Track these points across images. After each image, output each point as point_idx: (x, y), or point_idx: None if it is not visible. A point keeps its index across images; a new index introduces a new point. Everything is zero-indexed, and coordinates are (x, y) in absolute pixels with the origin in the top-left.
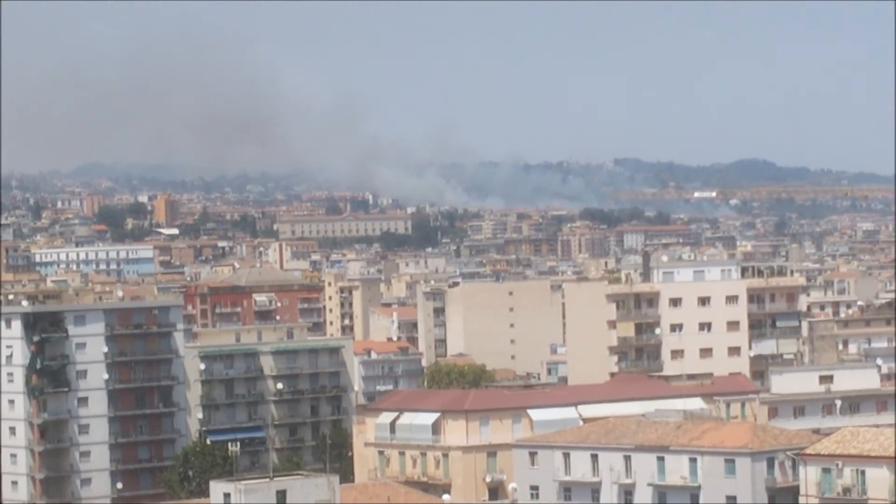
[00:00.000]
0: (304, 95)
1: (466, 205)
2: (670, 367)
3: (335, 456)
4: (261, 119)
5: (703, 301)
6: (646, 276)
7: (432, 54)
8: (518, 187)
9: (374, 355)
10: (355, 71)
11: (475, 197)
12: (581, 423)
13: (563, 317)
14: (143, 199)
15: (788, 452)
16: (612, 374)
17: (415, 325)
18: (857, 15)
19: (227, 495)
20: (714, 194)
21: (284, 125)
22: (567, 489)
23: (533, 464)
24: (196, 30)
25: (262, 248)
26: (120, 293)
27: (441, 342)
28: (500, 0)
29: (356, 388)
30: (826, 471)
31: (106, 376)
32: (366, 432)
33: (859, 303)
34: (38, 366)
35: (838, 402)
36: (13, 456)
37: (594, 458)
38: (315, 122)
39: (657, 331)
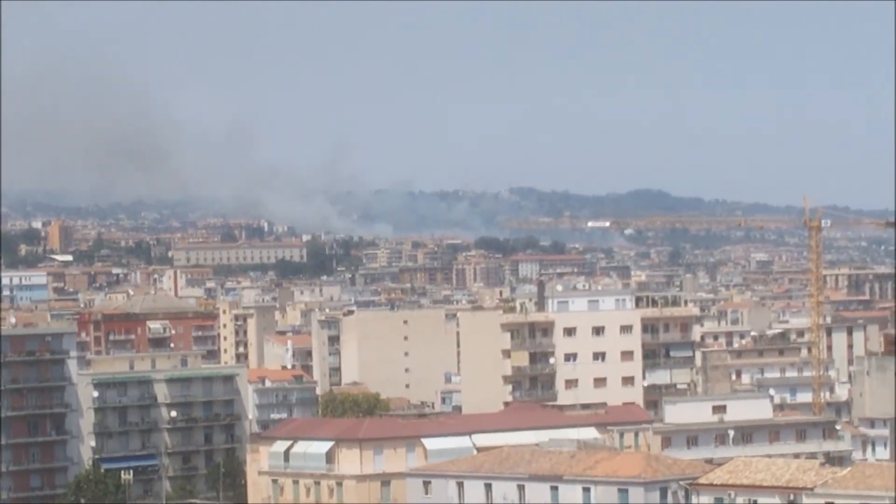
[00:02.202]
0: (196, 122)
1: (356, 232)
2: (564, 397)
3: (228, 484)
4: (152, 145)
5: (598, 331)
6: (540, 305)
7: (325, 80)
8: (412, 215)
9: (268, 383)
10: (247, 97)
11: (365, 225)
12: (475, 452)
13: (458, 346)
14: (37, 225)
15: (681, 482)
16: (507, 404)
17: (309, 354)
18: (753, 45)
19: None
20: (608, 224)
21: (176, 151)
22: None
23: (427, 493)
24: (89, 56)
25: (156, 276)
26: (13, 320)
27: (336, 370)
28: (392, 28)
29: (250, 416)
30: (719, 500)
31: None
32: (259, 461)
33: (752, 333)
34: None
35: (731, 432)
36: None
37: (488, 487)
38: (206, 148)
39: (551, 360)
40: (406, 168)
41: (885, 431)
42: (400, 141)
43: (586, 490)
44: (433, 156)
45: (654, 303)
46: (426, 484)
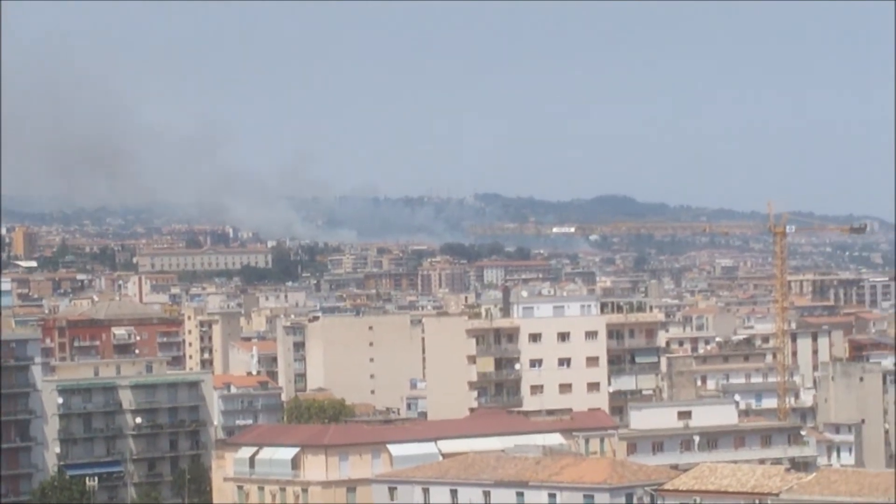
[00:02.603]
0: (159, 127)
1: (320, 238)
2: (530, 403)
3: (194, 491)
4: (115, 151)
5: (563, 336)
6: (506, 311)
7: (289, 85)
8: (376, 221)
9: (233, 389)
10: (210, 102)
11: (329, 230)
12: (441, 458)
13: (423, 352)
14: (1, 231)
15: (647, 488)
16: (472, 410)
17: (275, 360)
18: (717, 53)
19: None
20: (573, 230)
21: (139, 157)
22: None
23: (392, 499)
24: (53, 61)
25: (121, 282)
26: None
27: (301, 376)
28: (357, 34)
29: (215, 422)
30: None
31: None
32: (225, 467)
33: (717, 339)
34: None
35: (696, 438)
36: None
37: (454, 493)
38: (169, 153)
39: (517, 366)
40: (370, 174)
41: (850, 437)
42: (364, 147)
43: (552, 496)
44: (398, 162)
45: (620, 308)
46: (392, 490)
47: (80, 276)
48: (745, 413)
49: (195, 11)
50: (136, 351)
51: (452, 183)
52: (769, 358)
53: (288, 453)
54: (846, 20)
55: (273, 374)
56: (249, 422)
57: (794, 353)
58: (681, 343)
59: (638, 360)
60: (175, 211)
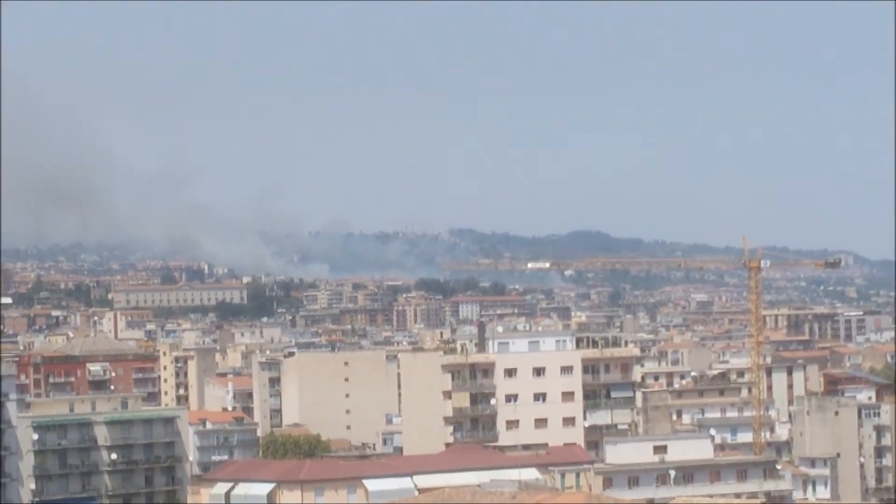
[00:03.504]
0: (127, 162)
1: (292, 273)
2: (506, 438)
3: None
4: (82, 186)
5: (538, 371)
6: (481, 346)
7: (258, 120)
8: (349, 256)
9: (209, 425)
10: (177, 139)
11: (301, 266)
12: (416, 493)
13: (399, 387)
14: None
15: None
16: (448, 445)
17: (250, 395)
18: (688, 88)
19: None
20: (548, 265)
21: (109, 192)
22: None
23: None
24: (23, 97)
25: (96, 318)
26: None
27: (276, 412)
28: (326, 67)
29: (191, 458)
30: None
31: None
32: (201, 503)
33: (693, 373)
34: None
35: (672, 472)
36: None
37: None
38: (138, 188)
39: (492, 401)
40: (343, 209)
41: (826, 471)
42: (336, 182)
43: None
44: (371, 198)
45: (595, 343)
46: None
47: (55, 313)
48: (720, 447)
49: (163, 43)
50: (112, 387)
51: (426, 218)
52: (744, 392)
53: (264, 489)
54: (821, 51)
55: (249, 410)
56: (225, 457)
57: (770, 388)
58: (656, 378)
59: (613, 394)
60: (147, 246)
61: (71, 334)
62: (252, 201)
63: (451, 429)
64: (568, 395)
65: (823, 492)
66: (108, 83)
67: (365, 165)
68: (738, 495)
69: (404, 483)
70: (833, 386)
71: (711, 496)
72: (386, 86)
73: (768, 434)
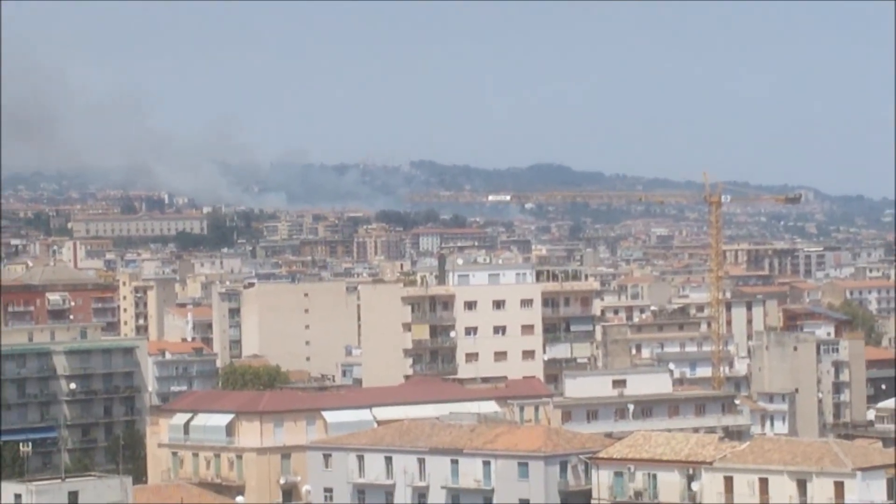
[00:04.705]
0: (83, 90)
1: (249, 203)
2: (465, 370)
3: (128, 457)
4: (39, 115)
5: (498, 304)
6: (441, 278)
7: (215, 48)
8: (307, 187)
9: (168, 356)
10: (134, 68)
11: (259, 196)
12: (375, 425)
13: (359, 319)
14: None
15: (581, 456)
16: (407, 377)
17: (210, 326)
18: (653, 22)
19: (17, 496)
20: (509, 198)
21: (66, 120)
22: (361, 491)
23: (327, 466)
24: None
25: (55, 247)
26: None
27: (236, 343)
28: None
29: (150, 388)
30: (618, 475)
31: None
32: (159, 433)
33: (652, 308)
34: None
35: (631, 407)
36: None
37: (388, 460)
38: (95, 117)
39: (452, 334)
40: (301, 141)
41: (784, 406)
42: (295, 113)
43: (486, 464)
44: (330, 129)
45: (555, 277)
46: (326, 457)
47: (14, 242)
48: (679, 382)
49: None
50: (71, 317)
51: (386, 150)
52: (704, 327)
53: (222, 420)
54: None
55: (208, 341)
56: (184, 388)
57: (729, 323)
58: (616, 312)
59: (573, 328)
60: (105, 175)
61: (30, 263)
62: (210, 131)
63: (410, 361)
64: (528, 329)
65: (781, 427)
66: (66, 12)
67: (324, 96)
68: (696, 430)
69: (363, 415)
70: (792, 321)
71: (670, 430)
72: (348, 17)
73: (727, 369)
